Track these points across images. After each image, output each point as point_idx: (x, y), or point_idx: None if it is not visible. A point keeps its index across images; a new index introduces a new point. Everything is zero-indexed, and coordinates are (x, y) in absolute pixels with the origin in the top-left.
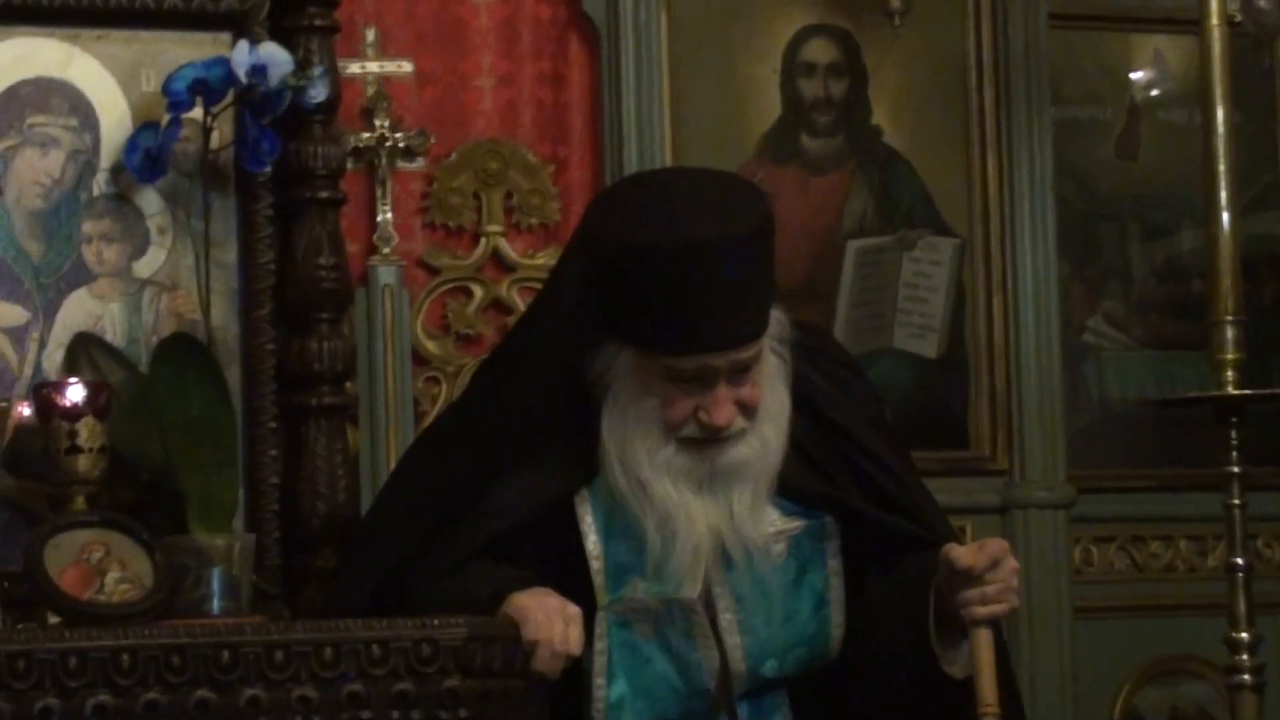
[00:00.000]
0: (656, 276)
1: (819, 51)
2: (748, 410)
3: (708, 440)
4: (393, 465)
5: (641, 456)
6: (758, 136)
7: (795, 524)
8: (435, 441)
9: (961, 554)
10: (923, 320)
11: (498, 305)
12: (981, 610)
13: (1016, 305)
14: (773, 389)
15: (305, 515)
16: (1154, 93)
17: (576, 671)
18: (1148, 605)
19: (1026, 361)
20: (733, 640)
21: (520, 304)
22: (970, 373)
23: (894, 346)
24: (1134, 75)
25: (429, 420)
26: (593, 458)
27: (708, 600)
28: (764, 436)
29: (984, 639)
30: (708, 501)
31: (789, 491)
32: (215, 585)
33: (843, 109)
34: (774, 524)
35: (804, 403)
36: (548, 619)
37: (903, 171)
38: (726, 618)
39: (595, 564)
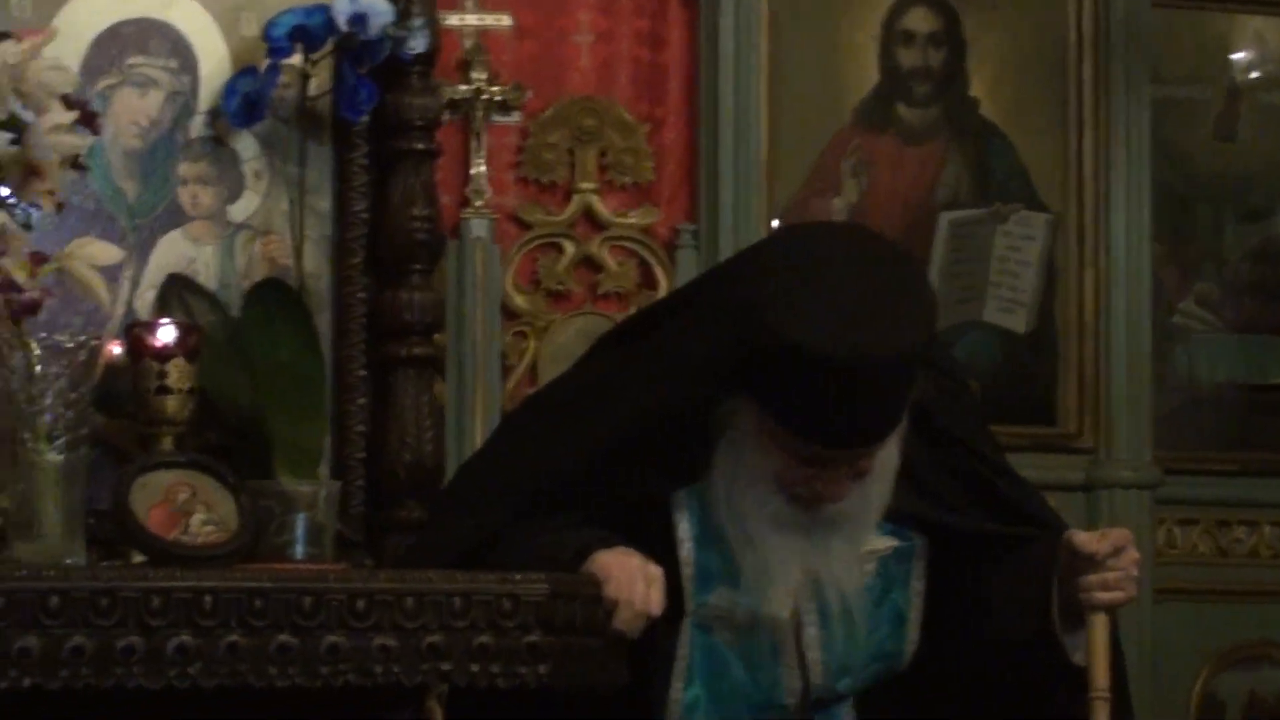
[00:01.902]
0: (812, 378)
1: (919, 20)
2: (857, 477)
3: (814, 500)
4: (479, 418)
5: (749, 506)
6: (854, 104)
7: (887, 544)
8: (542, 417)
9: (1085, 539)
10: (1013, 295)
11: (588, 262)
12: (1101, 596)
13: (1108, 283)
14: (886, 449)
15: (391, 465)
16: (1254, 74)
17: (650, 670)
18: (1229, 590)
19: (1116, 340)
20: (814, 655)
21: (611, 262)
22: (1059, 349)
23: (984, 320)
24: (1234, 56)
25: (517, 375)
26: (696, 464)
27: (794, 616)
28: (868, 494)
29: (1101, 624)
30: (804, 545)
31: (890, 511)
32: (300, 531)
33: (940, 79)
34: (868, 545)
35: (917, 416)
36: (630, 578)
37: (998, 144)
38: (810, 633)
39: (687, 570)
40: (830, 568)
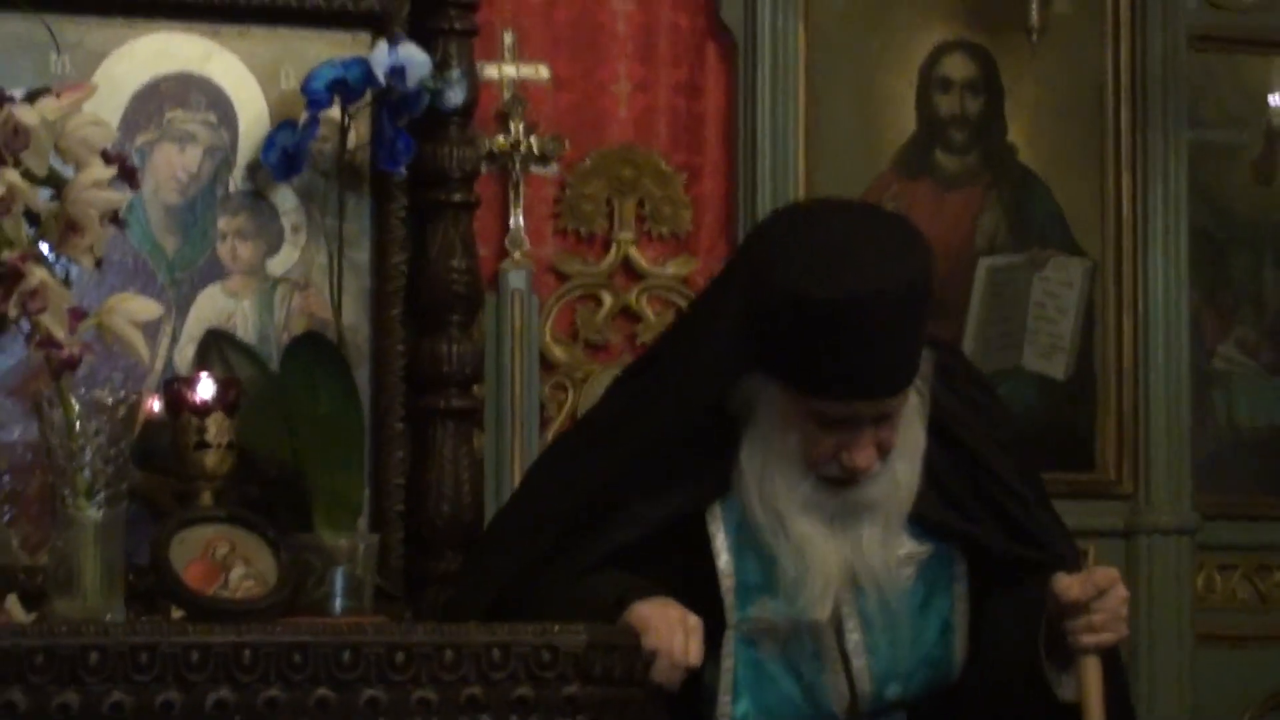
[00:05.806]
0: (818, 326)
1: (956, 67)
2: (883, 451)
3: (844, 479)
4: (518, 470)
5: (780, 490)
6: (892, 151)
7: (925, 549)
8: (569, 451)
9: (1066, 586)
10: (1052, 340)
11: (627, 313)
12: (1089, 639)
13: (1146, 328)
14: (909, 427)
15: (430, 517)
16: None
17: (698, 687)
18: (1270, 635)
19: (1155, 385)
20: (859, 661)
21: (649, 313)
22: (1098, 395)
23: (1023, 366)
24: (1273, 99)
25: (556, 427)
26: (726, 474)
27: (836, 621)
28: (895, 474)
29: (1092, 667)
30: (838, 534)
31: (919, 518)
32: (338, 584)
33: (978, 125)
34: (904, 548)
35: (934, 424)
36: (669, 629)
37: (1036, 190)
38: (854, 638)
39: (727, 582)
40: (863, 556)
